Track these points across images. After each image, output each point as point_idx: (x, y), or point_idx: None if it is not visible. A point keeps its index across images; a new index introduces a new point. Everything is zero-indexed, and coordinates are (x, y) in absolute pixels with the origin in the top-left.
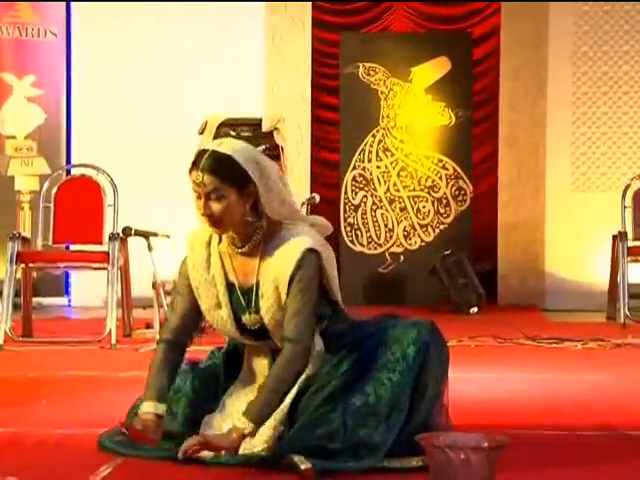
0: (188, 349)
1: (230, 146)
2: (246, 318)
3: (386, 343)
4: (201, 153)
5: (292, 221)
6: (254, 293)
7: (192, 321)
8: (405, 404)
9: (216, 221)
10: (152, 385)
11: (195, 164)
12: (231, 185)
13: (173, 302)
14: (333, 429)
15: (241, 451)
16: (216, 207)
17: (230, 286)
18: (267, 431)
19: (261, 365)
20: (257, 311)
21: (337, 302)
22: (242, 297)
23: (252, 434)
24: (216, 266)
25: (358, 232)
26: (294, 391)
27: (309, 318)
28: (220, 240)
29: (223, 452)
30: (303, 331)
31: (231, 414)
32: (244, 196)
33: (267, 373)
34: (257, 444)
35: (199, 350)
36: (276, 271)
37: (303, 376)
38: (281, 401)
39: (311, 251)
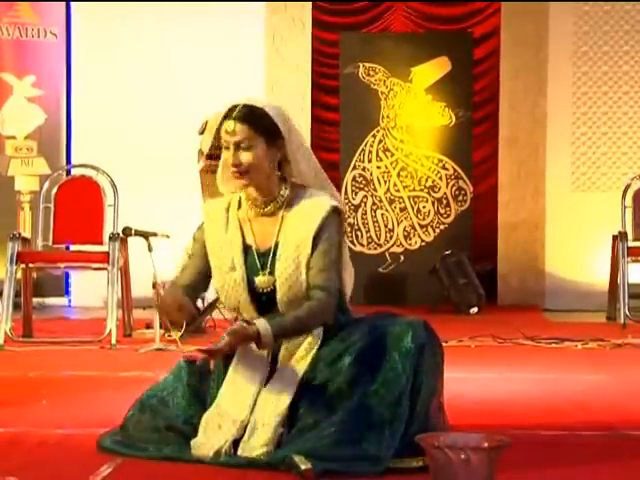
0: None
1: (261, 101)
2: (259, 280)
3: (381, 346)
4: (234, 106)
5: (316, 186)
6: (271, 255)
7: (198, 284)
8: (405, 412)
9: (243, 172)
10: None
11: (227, 115)
12: (261, 136)
13: (183, 264)
14: (332, 441)
15: (240, 452)
16: (245, 157)
17: (246, 249)
18: (267, 432)
19: (257, 354)
20: (271, 272)
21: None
22: (258, 259)
23: (264, 345)
24: (234, 229)
25: (358, 232)
26: (292, 393)
27: (335, 275)
28: (239, 206)
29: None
30: (332, 285)
31: (228, 410)
32: (272, 149)
33: (262, 364)
34: (257, 447)
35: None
36: (300, 229)
37: (300, 373)
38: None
39: (336, 210)
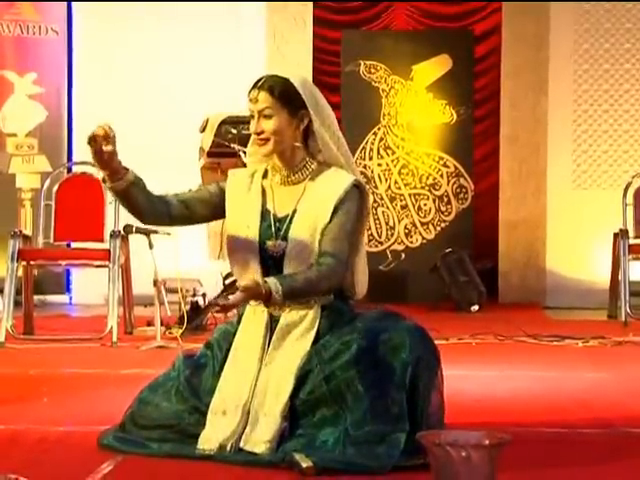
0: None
1: (290, 74)
2: (271, 243)
3: (379, 353)
4: (262, 77)
5: (340, 164)
6: (287, 221)
7: (192, 207)
8: (404, 423)
9: (265, 140)
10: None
11: (255, 85)
12: (283, 105)
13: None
14: (333, 445)
15: (242, 444)
16: (267, 125)
17: (264, 213)
18: (270, 426)
19: (255, 333)
20: (285, 239)
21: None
22: (273, 223)
23: (273, 303)
24: (255, 193)
25: None
26: (291, 383)
27: (347, 247)
28: (264, 176)
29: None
30: (343, 254)
31: (230, 394)
32: (295, 119)
33: (260, 343)
34: (259, 442)
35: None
36: (321, 198)
37: (299, 360)
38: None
39: (359, 186)
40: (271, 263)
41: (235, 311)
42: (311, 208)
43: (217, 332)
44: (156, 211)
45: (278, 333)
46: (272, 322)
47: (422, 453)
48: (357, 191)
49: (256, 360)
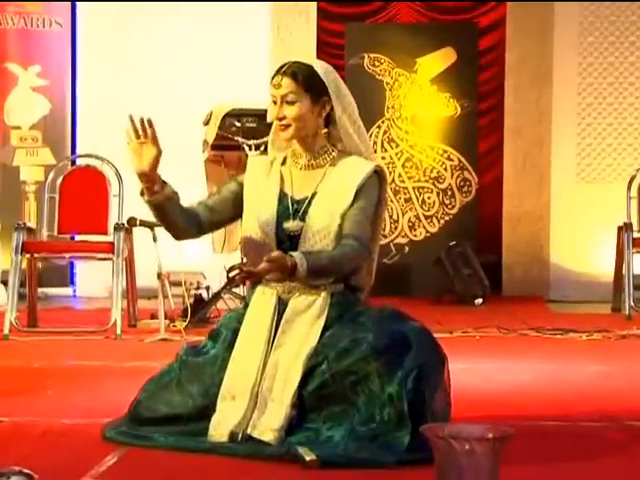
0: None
1: (314, 61)
2: (289, 224)
3: (387, 355)
4: (286, 63)
5: (359, 152)
6: (306, 203)
7: (219, 211)
8: (408, 424)
9: (287, 125)
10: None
11: (278, 70)
12: (306, 91)
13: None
14: (339, 440)
15: (250, 430)
16: (289, 111)
17: (282, 196)
18: (279, 414)
19: (263, 316)
20: (302, 220)
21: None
22: (291, 205)
23: (297, 277)
24: (274, 177)
25: None
26: (300, 370)
27: (369, 230)
28: (284, 163)
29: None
30: (365, 237)
31: (240, 376)
32: (317, 106)
33: (268, 325)
34: (267, 430)
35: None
36: (342, 181)
37: (308, 348)
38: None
39: (380, 173)
40: (287, 244)
41: (239, 303)
42: (331, 191)
43: (224, 318)
44: (188, 227)
45: (287, 317)
46: (280, 306)
47: (426, 449)
48: (377, 177)
49: (264, 342)
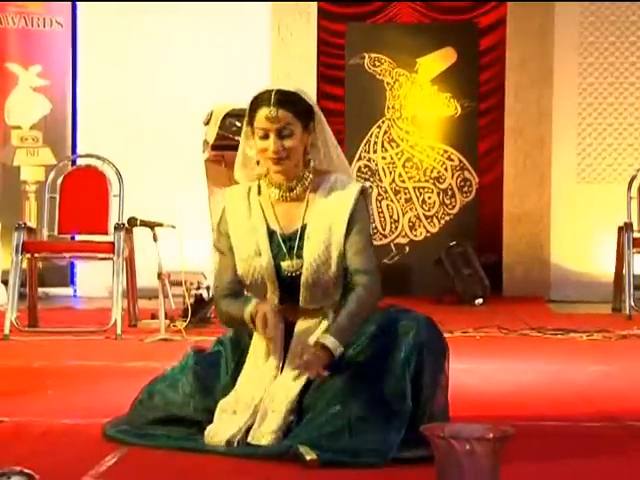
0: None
1: (291, 85)
2: (287, 263)
3: (387, 342)
4: (264, 93)
5: (338, 171)
6: (298, 238)
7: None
8: (409, 406)
9: (284, 157)
10: (239, 305)
11: (262, 103)
12: (300, 119)
13: (218, 264)
14: (338, 433)
15: (250, 439)
16: (288, 142)
17: (271, 234)
18: (277, 420)
19: (272, 342)
20: (299, 256)
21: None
22: (283, 243)
23: (336, 355)
24: (256, 215)
25: None
26: (303, 381)
27: (373, 254)
28: (259, 192)
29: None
30: (372, 265)
31: (245, 397)
32: (306, 133)
33: (277, 351)
34: (265, 433)
35: (206, 340)
36: (331, 210)
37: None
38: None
39: (365, 193)
40: (288, 282)
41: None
42: (322, 221)
43: (230, 331)
44: None
45: (294, 340)
46: (287, 329)
47: (426, 446)
48: (363, 197)
49: (273, 367)
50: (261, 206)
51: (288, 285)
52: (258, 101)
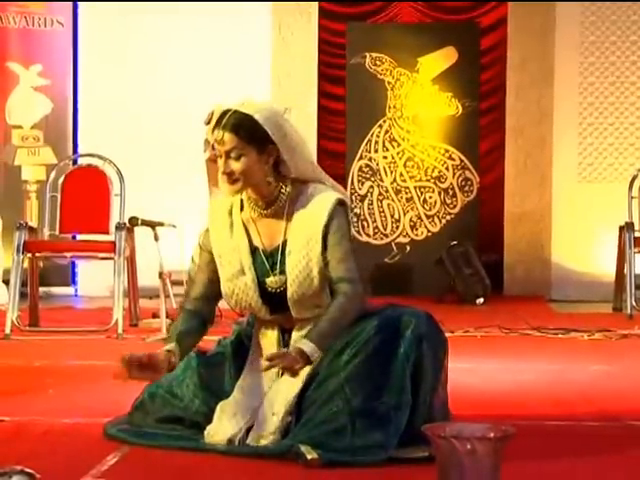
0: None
1: (252, 106)
2: (270, 280)
3: (386, 338)
4: (225, 112)
5: (316, 181)
6: (279, 253)
7: (212, 293)
8: (408, 402)
9: (235, 180)
10: (178, 330)
11: (218, 123)
12: (250, 144)
13: (193, 274)
14: (339, 431)
15: (249, 441)
16: (235, 166)
17: (253, 251)
18: (275, 421)
19: (268, 350)
20: (282, 272)
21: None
22: (266, 260)
23: (314, 358)
24: (239, 232)
25: (364, 222)
26: (301, 383)
27: (354, 263)
28: (242, 208)
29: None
30: (354, 273)
31: (244, 401)
32: (264, 156)
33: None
34: (265, 435)
35: (208, 340)
36: (308, 224)
37: (307, 371)
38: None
39: (342, 203)
40: (275, 299)
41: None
42: (301, 236)
43: (232, 334)
44: (203, 333)
45: (291, 347)
46: (284, 336)
47: (427, 445)
48: (340, 207)
49: (272, 373)
50: (243, 223)
51: (277, 300)
52: (217, 120)
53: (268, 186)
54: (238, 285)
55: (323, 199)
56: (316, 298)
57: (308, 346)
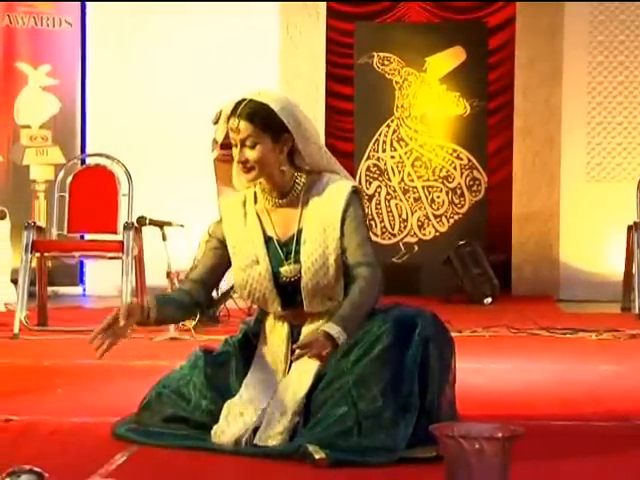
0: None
1: (268, 96)
2: (285, 269)
3: (392, 339)
4: (240, 102)
5: (330, 171)
6: (294, 243)
7: (210, 279)
8: (417, 402)
9: (250, 168)
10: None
11: (233, 112)
12: (265, 132)
13: (199, 258)
14: (346, 432)
15: (256, 441)
16: (250, 154)
17: (267, 241)
18: (283, 422)
19: (277, 346)
20: (297, 261)
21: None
22: (280, 250)
23: (340, 341)
24: (252, 223)
25: (372, 222)
26: (309, 383)
27: (371, 248)
28: (256, 200)
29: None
30: (372, 258)
31: (251, 399)
32: (279, 144)
33: (282, 355)
34: (272, 435)
35: (214, 340)
36: (324, 212)
37: (317, 363)
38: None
39: (357, 190)
40: (289, 289)
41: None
42: (317, 225)
43: (240, 332)
44: (191, 312)
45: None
46: (293, 333)
47: (435, 445)
48: (355, 195)
49: (279, 372)
50: (257, 213)
51: (290, 291)
52: (233, 109)
53: (282, 176)
54: (252, 275)
55: (339, 187)
56: (329, 289)
57: (333, 329)
